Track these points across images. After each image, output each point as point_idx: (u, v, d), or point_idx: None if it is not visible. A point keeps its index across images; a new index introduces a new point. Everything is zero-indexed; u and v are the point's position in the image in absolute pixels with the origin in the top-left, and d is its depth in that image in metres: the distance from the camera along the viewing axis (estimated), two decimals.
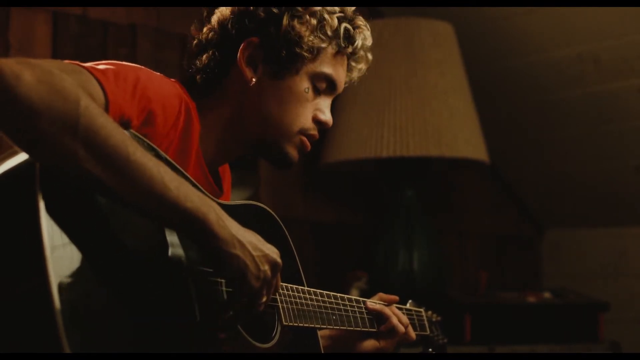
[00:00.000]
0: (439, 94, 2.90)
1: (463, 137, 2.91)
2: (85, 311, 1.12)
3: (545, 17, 3.09)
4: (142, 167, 1.17)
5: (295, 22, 1.50)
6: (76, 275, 1.12)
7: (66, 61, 1.26)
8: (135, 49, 2.77)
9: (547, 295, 3.14)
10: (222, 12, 1.53)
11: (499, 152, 3.47)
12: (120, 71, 1.30)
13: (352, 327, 1.66)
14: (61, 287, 1.08)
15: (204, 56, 1.53)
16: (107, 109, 1.23)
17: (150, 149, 1.27)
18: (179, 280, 1.29)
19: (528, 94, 3.38)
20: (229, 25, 1.52)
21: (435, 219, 3.19)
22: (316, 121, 1.56)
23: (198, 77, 1.54)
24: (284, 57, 1.50)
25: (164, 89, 1.38)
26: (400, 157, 2.85)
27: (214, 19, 1.54)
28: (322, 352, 1.60)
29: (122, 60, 1.41)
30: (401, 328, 1.73)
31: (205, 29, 1.54)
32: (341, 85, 1.59)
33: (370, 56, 1.61)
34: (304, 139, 1.56)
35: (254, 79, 1.51)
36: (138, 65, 1.39)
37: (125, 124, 1.26)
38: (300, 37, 1.50)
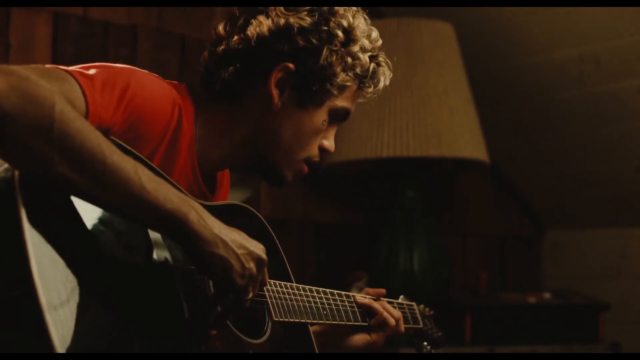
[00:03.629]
0: (439, 94, 2.90)
1: (463, 138, 2.91)
2: (74, 315, 1.11)
3: (546, 18, 3.09)
4: (119, 170, 1.16)
5: (334, 59, 1.50)
6: (62, 280, 1.12)
7: (51, 66, 1.26)
8: (136, 50, 2.78)
9: (547, 295, 3.14)
10: (260, 27, 1.49)
11: (500, 153, 3.47)
12: (109, 77, 1.30)
13: (343, 321, 1.66)
14: (48, 292, 1.08)
15: (231, 68, 1.51)
16: (86, 117, 1.23)
17: (129, 153, 1.26)
18: (165, 280, 1.29)
19: (529, 95, 3.38)
20: (266, 45, 1.49)
21: (436, 220, 3.19)
22: (321, 148, 1.59)
23: (217, 85, 1.52)
24: (315, 91, 1.51)
25: (155, 94, 1.37)
26: (400, 157, 2.85)
27: (251, 31, 1.50)
28: (315, 347, 1.60)
29: (122, 61, 1.41)
30: (392, 321, 1.74)
31: (236, 37, 1.51)
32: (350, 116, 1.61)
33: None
34: (304, 165, 1.58)
35: (279, 104, 1.51)
36: (133, 68, 1.38)
37: (104, 132, 1.25)
38: (335, 75, 1.51)
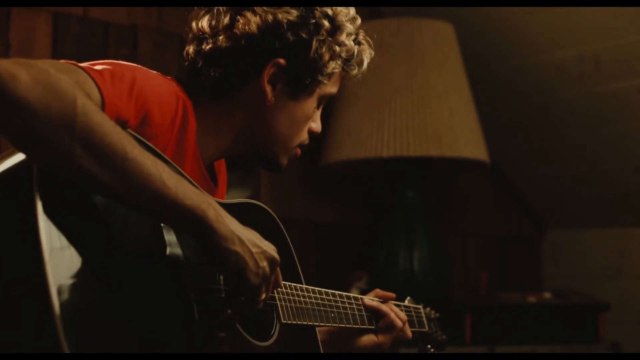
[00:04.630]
0: (440, 94, 2.90)
1: (463, 138, 2.91)
2: (84, 312, 1.12)
3: (546, 18, 3.09)
4: (140, 165, 1.17)
5: (323, 50, 1.51)
6: (74, 275, 1.12)
7: (62, 61, 1.26)
8: (136, 50, 2.78)
9: (547, 295, 3.14)
10: (249, 25, 1.48)
11: (500, 153, 3.47)
12: (116, 71, 1.30)
13: (350, 324, 1.66)
14: (60, 287, 1.08)
15: (221, 66, 1.50)
16: (103, 109, 1.23)
17: (148, 148, 1.27)
18: (177, 280, 1.29)
19: (529, 94, 3.38)
20: (256, 43, 1.49)
21: (436, 220, 3.19)
22: (310, 132, 1.61)
23: (208, 82, 1.51)
24: (307, 83, 1.53)
25: (160, 88, 1.38)
26: (400, 157, 2.85)
27: (239, 29, 1.49)
28: (321, 349, 1.61)
29: (122, 61, 1.41)
30: (399, 323, 1.74)
31: (224, 36, 1.50)
32: None
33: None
34: (298, 149, 1.61)
35: (273, 99, 1.52)
36: (134, 65, 1.39)
37: (122, 124, 1.26)
38: (325, 65, 1.52)
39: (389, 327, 1.74)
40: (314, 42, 1.50)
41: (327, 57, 1.52)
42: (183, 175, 1.33)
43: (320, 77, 1.53)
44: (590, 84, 3.18)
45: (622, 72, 3.09)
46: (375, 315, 1.73)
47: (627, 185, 3.39)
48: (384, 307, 1.74)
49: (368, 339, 1.73)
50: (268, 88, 1.50)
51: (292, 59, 1.50)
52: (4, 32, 2.53)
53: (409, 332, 1.78)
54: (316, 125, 1.61)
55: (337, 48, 1.53)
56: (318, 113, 1.62)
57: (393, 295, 1.79)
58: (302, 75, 1.51)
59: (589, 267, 3.63)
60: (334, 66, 1.54)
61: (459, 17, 3.13)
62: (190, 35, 1.55)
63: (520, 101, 3.43)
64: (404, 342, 1.79)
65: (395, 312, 1.75)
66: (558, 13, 3.04)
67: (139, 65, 1.40)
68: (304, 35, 1.49)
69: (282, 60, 1.49)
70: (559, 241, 3.76)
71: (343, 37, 1.54)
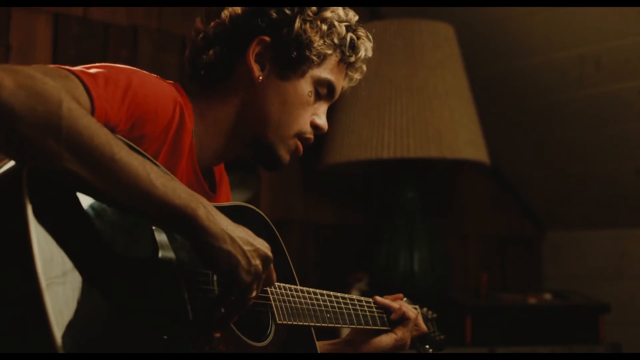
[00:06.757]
0: (440, 95, 2.90)
1: (464, 139, 2.91)
2: (78, 315, 1.11)
3: (547, 19, 3.09)
4: (128, 166, 1.17)
5: (307, 26, 1.53)
6: (67, 279, 1.12)
7: (53, 66, 1.26)
8: (136, 50, 2.78)
9: (547, 296, 3.14)
10: (234, 9, 1.55)
11: (500, 154, 3.48)
12: (111, 75, 1.31)
13: (346, 324, 1.67)
14: (52, 291, 1.08)
15: (211, 51, 1.55)
16: (92, 114, 1.23)
17: (136, 152, 1.26)
18: (170, 281, 1.29)
19: (529, 95, 3.38)
20: (240, 22, 1.54)
21: (436, 221, 3.19)
22: (313, 125, 1.59)
23: (202, 72, 1.56)
24: (294, 59, 1.53)
25: (157, 93, 1.39)
26: (401, 158, 2.85)
27: (224, 14, 1.55)
28: (318, 350, 1.61)
29: (122, 62, 1.42)
30: (412, 314, 1.77)
31: (212, 23, 1.56)
32: (338, 93, 1.62)
33: (365, 68, 1.65)
34: (299, 142, 1.58)
35: (260, 77, 1.53)
36: (133, 68, 1.39)
37: (110, 130, 1.25)
38: (311, 41, 1.53)
39: (402, 318, 1.76)
40: (297, 19, 1.52)
41: (313, 34, 1.53)
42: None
43: (307, 53, 1.53)
44: (591, 85, 3.19)
45: (622, 73, 3.09)
46: (387, 312, 1.76)
47: (627, 185, 3.39)
48: (394, 303, 1.77)
49: (387, 338, 1.75)
50: (255, 66, 1.53)
51: (276, 35, 1.53)
52: (5, 33, 2.53)
53: (423, 325, 1.80)
54: (321, 120, 1.59)
55: (325, 27, 1.54)
56: (321, 107, 1.60)
57: (400, 295, 1.82)
58: (287, 51, 1.53)
59: (589, 268, 3.63)
60: (323, 45, 1.54)
61: (459, 18, 3.13)
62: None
63: (520, 102, 3.44)
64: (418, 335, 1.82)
65: (405, 306, 1.78)
66: (558, 14, 3.04)
67: (138, 69, 1.40)
68: (287, 12, 1.53)
69: (266, 38, 1.53)
70: (559, 242, 3.76)
71: (329, 16, 1.55)
